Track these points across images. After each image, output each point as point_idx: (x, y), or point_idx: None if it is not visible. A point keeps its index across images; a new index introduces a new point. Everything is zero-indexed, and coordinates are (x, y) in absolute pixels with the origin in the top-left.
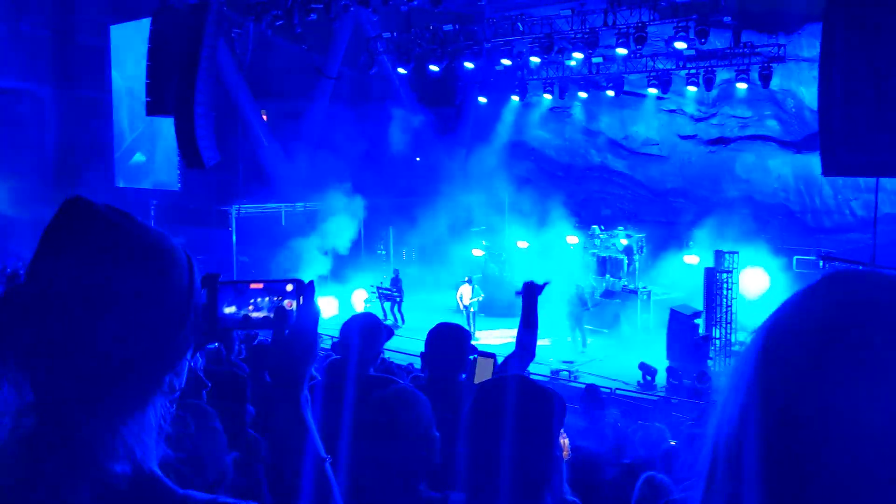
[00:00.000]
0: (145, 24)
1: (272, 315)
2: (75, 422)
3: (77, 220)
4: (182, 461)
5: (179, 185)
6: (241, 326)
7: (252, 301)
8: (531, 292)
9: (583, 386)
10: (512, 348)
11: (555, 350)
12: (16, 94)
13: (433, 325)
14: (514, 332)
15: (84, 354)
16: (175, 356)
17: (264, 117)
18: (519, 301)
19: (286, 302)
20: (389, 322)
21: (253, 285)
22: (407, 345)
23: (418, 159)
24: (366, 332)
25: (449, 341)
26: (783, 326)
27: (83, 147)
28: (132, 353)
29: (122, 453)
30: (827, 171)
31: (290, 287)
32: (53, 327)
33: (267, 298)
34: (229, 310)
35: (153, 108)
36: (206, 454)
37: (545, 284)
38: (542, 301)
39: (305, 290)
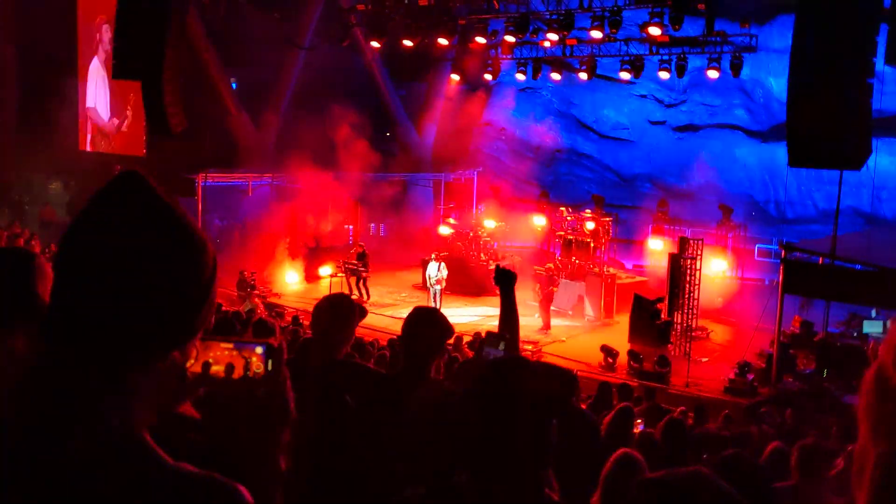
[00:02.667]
0: None
1: (234, 375)
2: (80, 378)
3: (129, 191)
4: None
5: (145, 150)
6: (202, 381)
7: (213, 358)
8: (506, 281)
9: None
10: (476, 326)
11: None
12: None
13: (411, 309)
14: (479, 308)
15: (101, 314)
16: (183, 336)
17: (233, 86)
18: (489, 283)
19: (251, 365)
20: (355, 297)
21: (223, 344)
22: (372, 320)
23: (388, 134)
24: (338, 314)
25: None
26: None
27: (47, 108)
28: (146, 323)
29: (119, 413)
30: (793, 162)
31: (259, 349)
32: (80, 284)
33: (229, 357)
34: (190, 363)
35: (120, 71)
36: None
37: (514, 274)
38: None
39: (274, 355)
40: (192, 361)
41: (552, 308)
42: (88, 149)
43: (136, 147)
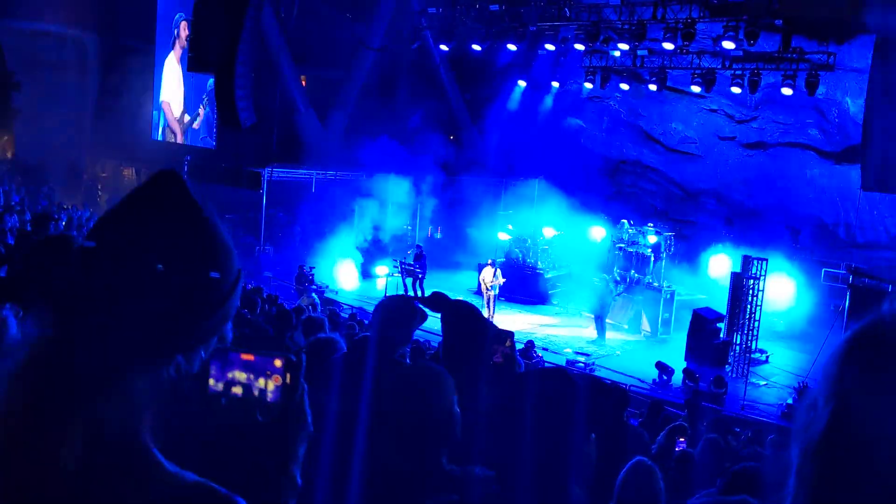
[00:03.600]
0: None
1: (253, 392)
2: (82, 368)
3: (163, 192)
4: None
5: (214, 143)
6: (222, 396)
7: (231, 374)
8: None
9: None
10: (529, 334)
11: (572, 341)
12: (59, 39)
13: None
14: (533, 317)
15: (115, 310)
16: (192, 341)
17: (303, 83)
18: (545, 292)
19: (269, 380)
20: (410, 296)
21: (244, 356)
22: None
23: (451, 137)
24: (396, 315)
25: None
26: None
27: (123, 97)
28: (157, 324)
29: (119, 410)
30: (866, 186)
31: (278, 363)
32: (98, 277)
33: (245, 374)
34: (211, 380)
35: (195, 65)
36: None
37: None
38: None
39: (293, 369)
40: (213, 381)
41: (608, 321)
42: (161, 139)
43: (205, 139)
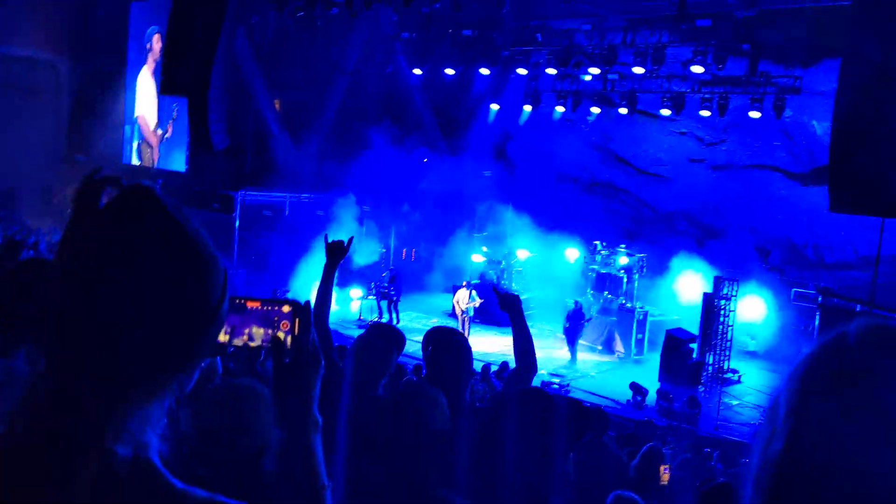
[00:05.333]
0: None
1: (268, 345)
2: (86, 399)
3: (135, 207)
4: (225, 427)
5: (186, 166)
6: (239, 350)
7: (247, 330)
8: (512, 306)
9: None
10: (503, 356)
11: (546, 362)
12: (31, 63)
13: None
14: (507, 339)
15: (106, 337)
16: (190, 359)
17: (277, 107)
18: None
19: (281, 326)
20: (384, 320)
21: (250, 304)
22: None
23: (425, 160)
24: (375, 352)
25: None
26: (816, 370)
27: (95, 121)
28: (151, 347)
29: (126, 438)
30: (834, 207)
31: (286, 308)
32: (83, 305)
33: (262, 330)
34: (224, 337)
35: (168, 88)
36: (251, 423)
37: (517, 297)
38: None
39: (302, 312)
40: (226, 336)
41: (582, 342)
42: (133, 162)
43: (177, 162)
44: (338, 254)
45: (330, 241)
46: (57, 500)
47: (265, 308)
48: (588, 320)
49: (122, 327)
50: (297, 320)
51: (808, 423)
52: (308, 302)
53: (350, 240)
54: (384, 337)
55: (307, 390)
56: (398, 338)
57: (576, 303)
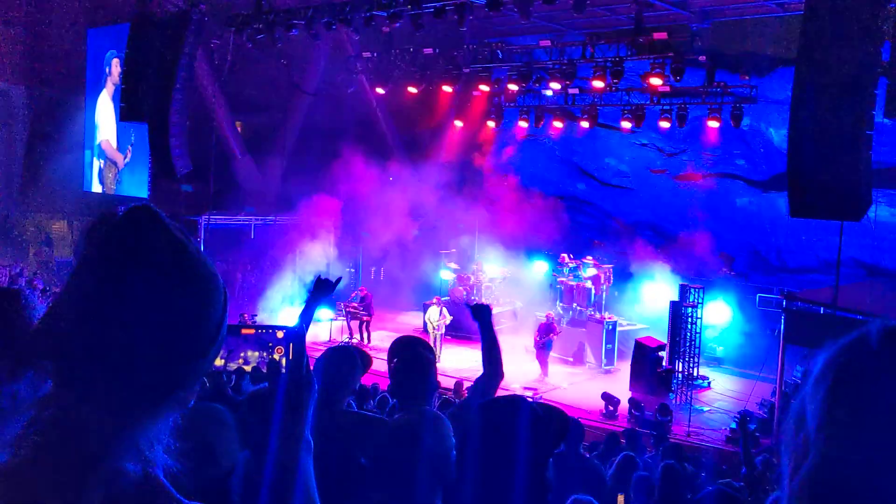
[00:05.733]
0: (124, 29)
1: (264, 369)
2: (93, 419)
3: (139, 229)
4: (192, 450)
5: (148, 192)
6: (235, 374)
7: (242, 355)
8: (482, 315)
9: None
10: (476, 371)
11: (517, 376)
12: None
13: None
14: (479, 354)
15: (113, 357)
16: (194, 377)
17: (239, 129)
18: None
19: (276, 351)
20: (355, 340)
21: (245, 330)
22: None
23: (391, 179)
24: (339, 368)
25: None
26: (837, 374)
27: (53, 149)
28: (157, 366)
29: (133, 455)
30: (794, 213)
31: (280, 334)
32: (88, 325)
33: (257, 353)
34: (220, 361)
35: (127, 114)
36: (218, 446)
37: (488, 307)
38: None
39: (296, 338)
40: (221, 361)
41: (553, 354)
42: (94, 189)
43: (139, 188)
44: (325, 290)
45: (320, 278)
46: None
47: (260, 333)
48: (558, 333)
49: (128, 347)
50: (291, 345)
51: (840, 436)
52: (304, 328)
53: (338, 280)
54: (347, 355)
55: (301, 412)
56: (363, 356)
57: (547, 316)
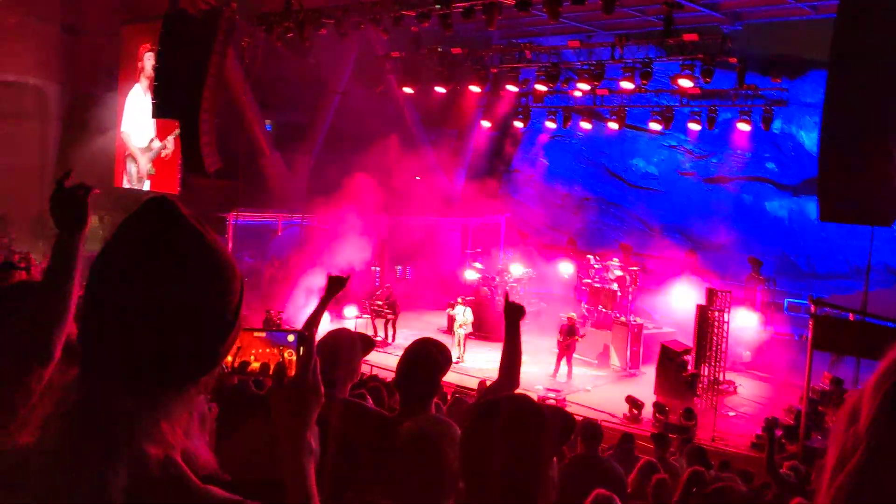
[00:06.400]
0: (157, 26)
1: (272, 368)
2: (117, 402)
3: (159, 219)
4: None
5: (179, 188)
6: (239, 374)
7: (252, 353)
8: (514, 315)
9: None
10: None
11: (541, 378)
12: (20, 88)
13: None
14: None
15: (135, 343)
16: (214, 362)
17: (269, 128)
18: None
19: (287, 353)
20: (380, 338)
21: (256, 334)
22: (394, 361)
23: (418, 178)
24: (339, 349)
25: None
26: None
27: (86, 146)
28: (180, 351)
29: (155, 439)
30: (824, 217)
31: (290, 338)
32: (113, 314)
33: (265, 350)
34: (228, 359)
35: (159, 111)
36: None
37: (523, 308)
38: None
39: (305, 342)
40: (230, 358)
41: (576, 356)
42: (125, 185)
43: (170, 185)
44: (337, 287)
45: (334, 277)
46: (92, 501)
47: (270, 335)
48: (582, 336)
49: (150, 334)
50: (301, 348)
51: (891, 438)
52: (313, 332)
53: (349, 276)
54: (346, 337)
55: (306, 417)
56: (364, 339)
57: (569, 318)
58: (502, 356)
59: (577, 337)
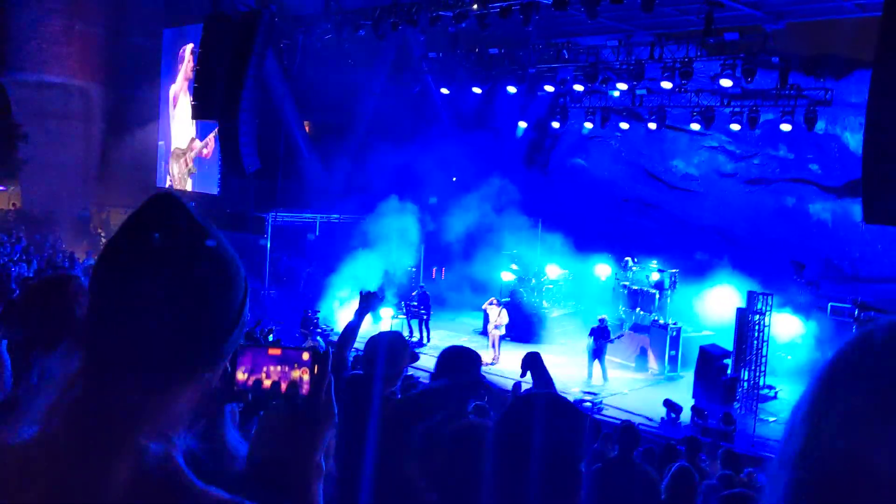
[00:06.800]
0: (198, 28)
1: (284, 385)
2: (119, 397)
3: (162, 214)
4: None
5: (218, 189)
6: (252, 392)
7: (265, 369)
8: (536, 364)
9: (607, 419)
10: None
11: (577, 381)
12: (66, 90)
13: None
14: None
15: (139, 337)
16: (217, 358)
17: (307, 128)
18: (551, 331)
19: (299, 371)
20: (415, 339)
21: (271, 350)
22: (429, 362)
23: (454, 179)
24: (391, 350)
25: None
26: (841, 370)
27: (128, 145)
28: (181, 346)
29: (156, 435)
30: (869, 219)
31: (306, 356)
32: (115, 307)
33: (279, 367)
34: (242, 376)
35: (199, 112)
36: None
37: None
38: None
39: (321, 360)
40: (244, 375)
41: (613, 358)
42: (167, 183)
43: (210, 185)
44: (373, 302)
45: (365, 292)
46: (92, 496)
47: (285, 354)
48: (614, 339)
49: (154, 329)
50: (315, 367)
51: (826, 425)
52: (328, 351)
53: (382, 290)
54: (392, 340)
55: (317, 438)
56: (407, 344)
57: (600, 319)
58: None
59: (608, 340)
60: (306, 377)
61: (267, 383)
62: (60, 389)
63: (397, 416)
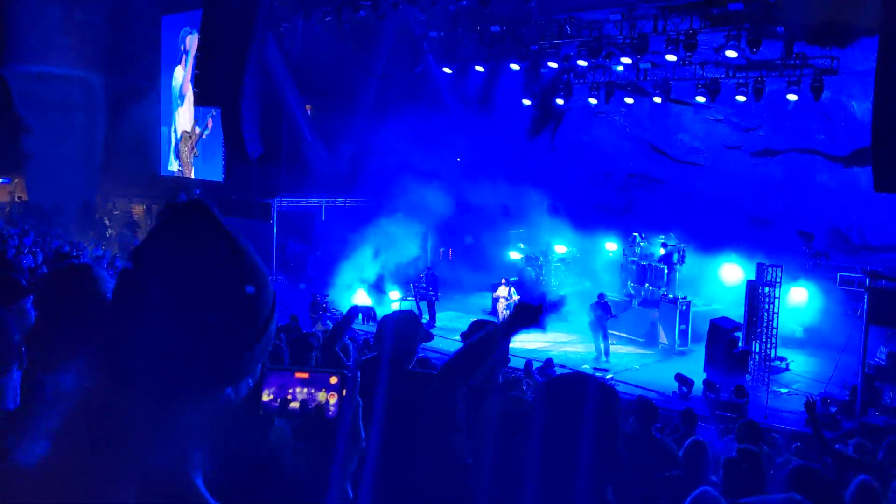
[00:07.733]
0: (197, 14)
1: (311, 408)
2: (133, 412)
3: (193, 225)
4: None
5: (223, 175)
6: (278, 414)
7: (291, 391)
8: (522, 320)
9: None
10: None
11: (587, 357)
12: (67, 80)
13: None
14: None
15: (158, 347)
16: (239, 374)
17: (309, 112)
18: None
19: (326, 395)
20: (425, 320)
21: (298, 374)
22: (440, 343)
23: (459, 160)
24: (403, 328)
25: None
26: None
27: (131, 134)
28: (201, 360)
29: (170, 452)
30: (878, 188)
31: (334, 380)
32: (134, 319)
33: (306, 390)
34: (267, 397)
35: (201, 99)
36: None
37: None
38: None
39: (348, 384)
40: (269, 396)
41: (622, 334)
42: (172, 167)
43: (214, 171)
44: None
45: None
46: None
47: (313, 377)
48: (614, 316)
49: (173, 340)
50: (343, 391)
51: None
52: (356, 375)
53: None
54: (404, 318)
55: (345, 463)
56: (419, 322)
57: (599, 295)
58: (473, 341)
59: (608, 315)
60: (333, 400)
61: (293, 405)
62: (74, 403)
63: (419, 388)
